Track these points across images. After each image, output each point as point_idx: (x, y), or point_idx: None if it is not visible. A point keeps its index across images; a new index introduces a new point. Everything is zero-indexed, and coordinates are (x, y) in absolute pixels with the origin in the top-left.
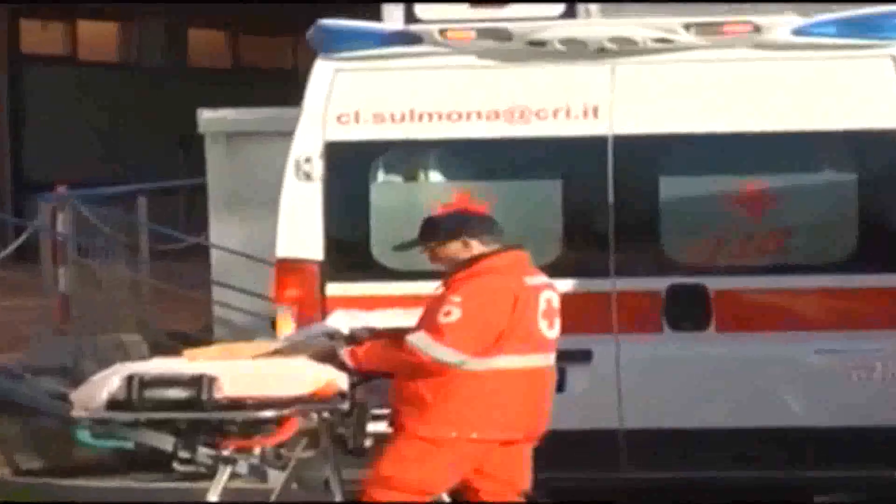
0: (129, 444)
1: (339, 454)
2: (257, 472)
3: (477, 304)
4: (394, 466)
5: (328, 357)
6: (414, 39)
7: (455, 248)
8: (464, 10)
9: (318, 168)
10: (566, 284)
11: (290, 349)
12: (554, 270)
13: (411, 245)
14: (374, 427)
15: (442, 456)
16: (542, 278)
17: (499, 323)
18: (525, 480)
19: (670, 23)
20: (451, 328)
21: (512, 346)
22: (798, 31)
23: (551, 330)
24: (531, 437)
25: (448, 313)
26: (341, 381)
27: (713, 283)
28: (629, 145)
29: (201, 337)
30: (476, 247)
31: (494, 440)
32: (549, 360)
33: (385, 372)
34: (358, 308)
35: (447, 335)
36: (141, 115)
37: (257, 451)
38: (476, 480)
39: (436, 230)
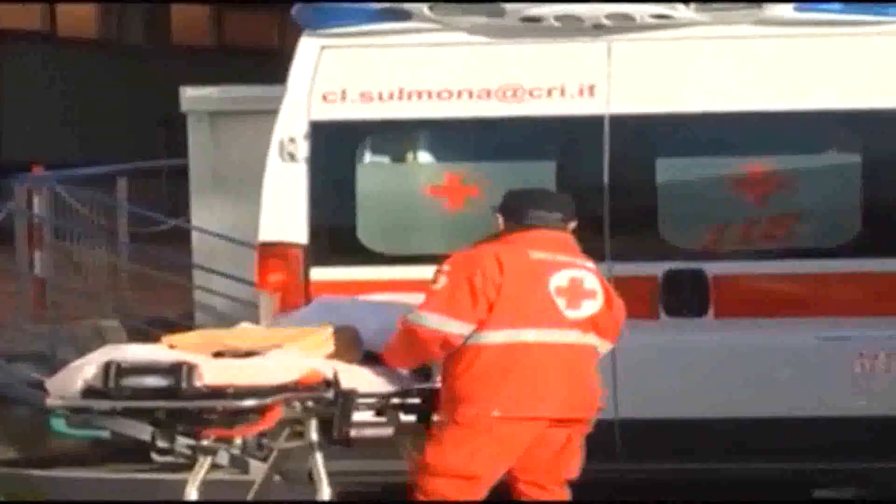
0: (106, 434)
1: (324, 444)
2: (238, 463)
3: (460, 270)
4: (432, 451)
5: (350, 340)
6: (403, 15)
7: (494, 225)
8: None
9: (302, 148)
10: None
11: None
12: None
13: None
14: (359, 416)
15: (475, 437)
16: (566, 256)
17: (484, 287)
18: (568, 468)
19: None
20: (437, 294)
21: (515, 318)
22: (801, 7)
23: (573, 310)
24: (574, 417)
25: (436, 281)
26: (325, 369)
27: (712, 268)
28: (626, 125)
29: (182, 323)
30: (501, 225)
31: (524, 418)
32: (570, 336)
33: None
34: (343, 294)
35: (432, 301)
36: (122, 94)
37: (238, 440)
38: (516, 469)
39: None
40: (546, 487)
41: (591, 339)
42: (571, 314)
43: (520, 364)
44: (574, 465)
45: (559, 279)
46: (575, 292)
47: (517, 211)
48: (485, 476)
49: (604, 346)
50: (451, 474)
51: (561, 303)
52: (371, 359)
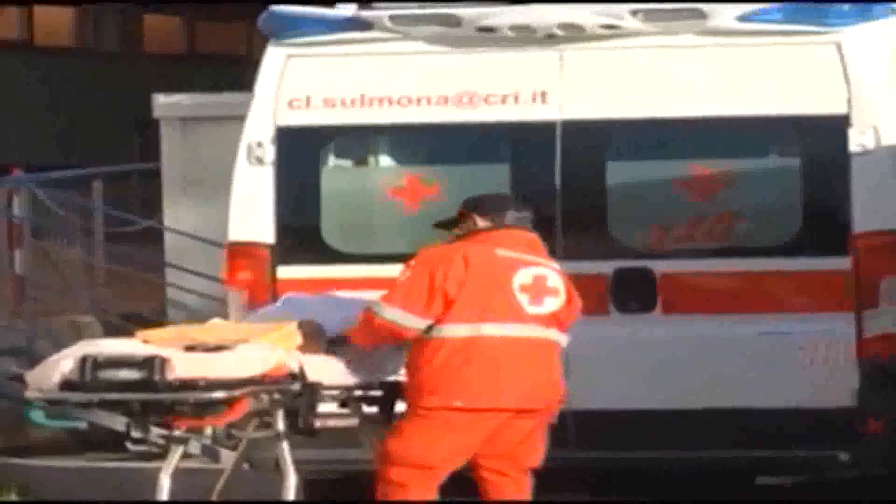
0: (83, 425)
1: (290, 434)
2: (209, 452)
3: (424, 266)
4: (394, 440)
5: (314, 334)
6: (364, 25)
7: (466, 226)
8: None
9: (269, 152)
10: None
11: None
12: None
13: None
14: (324, 407)
15: (435, 427)
16: (532, 256)
17: (444, 284)
18: (530, 457)
19: (618, 9)
20: (397, 287)
21: (477, 313)
22: (743, 18)
23: (536, 306)
24: (535, 409)
25: (401, 274)
26: (292, 362)
27: (659, 266)
28: (577, 130)
29: (155, 319)
30: (477, 223)
31: (484, 409)
32: (531, 331)
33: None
34: (308, 291)
35: (392, 293)
36: (97, 100)
37: (209, 430)
38: (480, 456)
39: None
40: (508, 475)
41: (551, 333)
42: (533, 310)
43: (481, 357)
44: (536, 454)
45: (523, 276)
46: (538, 289)
47: (492, 211)
48: (441, 466)
49: (564, 341)
50: (409, 463)
51: (523, 299)
52: (335, 352)
